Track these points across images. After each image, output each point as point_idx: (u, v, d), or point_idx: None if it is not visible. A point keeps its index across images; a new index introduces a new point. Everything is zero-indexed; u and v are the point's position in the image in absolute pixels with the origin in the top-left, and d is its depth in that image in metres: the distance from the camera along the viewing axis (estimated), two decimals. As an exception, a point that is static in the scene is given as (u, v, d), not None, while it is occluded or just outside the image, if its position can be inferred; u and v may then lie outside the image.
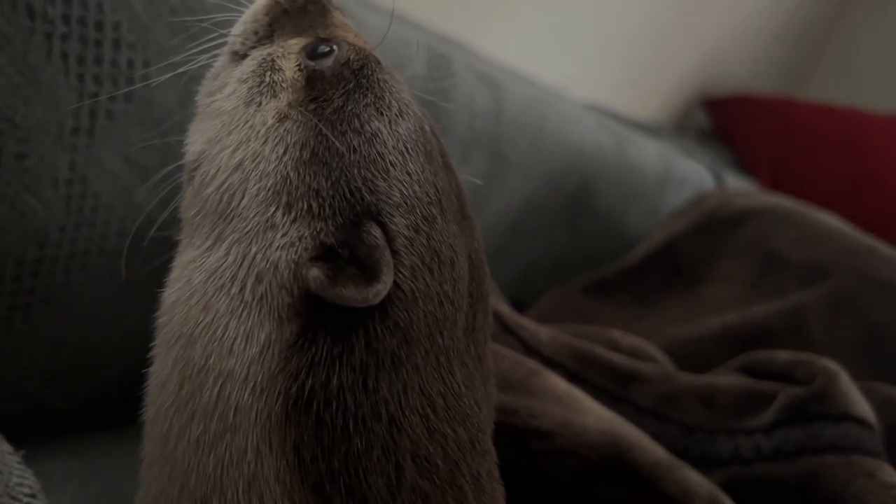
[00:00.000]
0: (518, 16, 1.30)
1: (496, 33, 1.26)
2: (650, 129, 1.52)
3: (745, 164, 1.75)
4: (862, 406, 0.48)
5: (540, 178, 0.85)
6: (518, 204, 0.82)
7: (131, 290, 0.52)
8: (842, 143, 1.72)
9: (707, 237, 0.83)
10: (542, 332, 0.55)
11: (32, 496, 0.31)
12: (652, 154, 1.12)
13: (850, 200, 1.60)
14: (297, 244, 0.29)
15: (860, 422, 0.46)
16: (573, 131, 0.90)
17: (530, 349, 0.52)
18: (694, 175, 1.23)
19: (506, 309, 0.56)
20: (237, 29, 0.37)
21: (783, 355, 0.54)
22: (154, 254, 0.52)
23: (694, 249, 0.83)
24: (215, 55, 0.38)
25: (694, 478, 0.43)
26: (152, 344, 0.34)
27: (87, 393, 0.53)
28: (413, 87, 0.65)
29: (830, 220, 0.83)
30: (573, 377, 0.51)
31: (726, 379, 0.53)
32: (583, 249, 0.98)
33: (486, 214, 0.77)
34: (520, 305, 0.84)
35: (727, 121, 1.86)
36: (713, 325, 0.72)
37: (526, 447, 0.43)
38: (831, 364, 0.51)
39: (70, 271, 0.48)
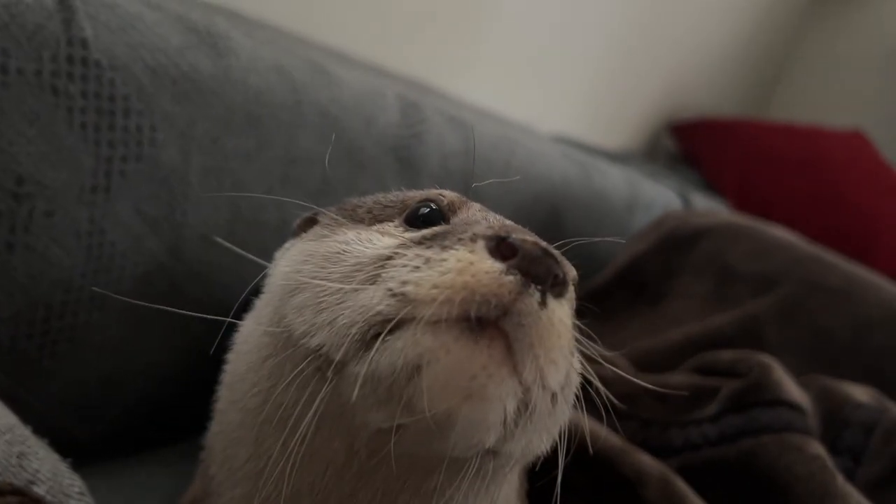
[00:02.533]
0: (488, 58, 1.38)
1: (467, 77, 1.33)
2: (619, 157, 1.59)
3: (713, 185, 1.82)
4: (792, 392, 0.54)
5: (511, 209, 0.91)
6: (492, 234, 0.89)
7: (143, 329, 0.59)
8: (803, 159, 1.80)
9: (667, 255, 0.89)
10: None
11: (82, 494, 0.37)
12: (618, 180, 1.19)
13: (812, 214, 1.68)
14: None
15: (790, 405, 0.53)
16: (540, 164, 0.97)
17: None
18: (660, 198, 1.30)
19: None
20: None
21: (726, 354, 0.60)
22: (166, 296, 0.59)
23: (655, 268, 0.89)
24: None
25: (646, 460, 0.49)
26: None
27: (107, 422, 0.59)
28: (388, 134, 0.72)
29: (779, 233, 0.90)
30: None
31: (678, 378, 0.59)
32: (557, 274, 1.05)
33: (462, 245, 0.84)
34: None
35: (694, 144, 1.94)
36: (675, 337, 0.78)
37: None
38: (765, 358, 0.57)
39: (91, 312, 0.54)
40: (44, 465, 0.37)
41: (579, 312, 0.90)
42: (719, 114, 2.11)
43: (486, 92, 1.34)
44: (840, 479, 0.49)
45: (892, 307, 0.74)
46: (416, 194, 0.41)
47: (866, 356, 0.71)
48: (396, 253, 0.33)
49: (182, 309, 0.59)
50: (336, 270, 0.35)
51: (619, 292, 0.90)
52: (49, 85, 0.48)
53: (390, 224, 0.39)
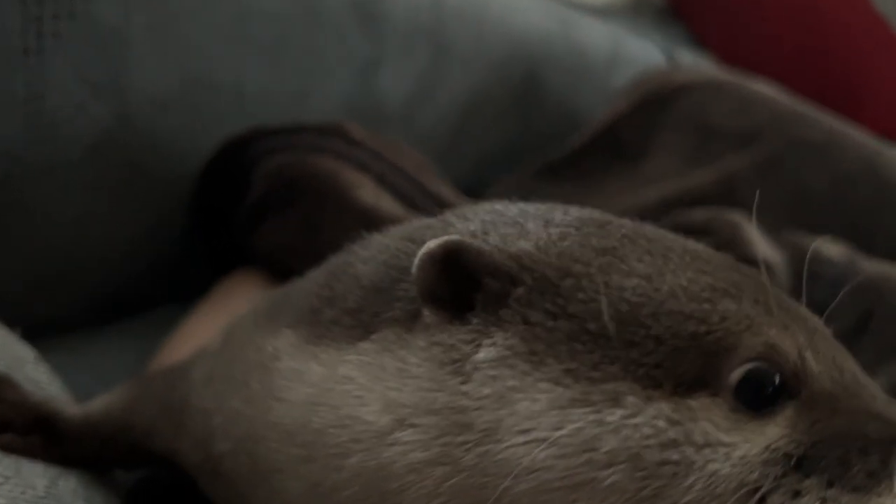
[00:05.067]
0: None
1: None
2: (602, 11, 1.52)
3: (699, 40, 1.77)
4: (763, 249, 0.54)
5: (485, 69, 0.87)
6: (465, 96, 0.85)
7: (98, 200, 0.57)
8: (793, 9, 1.74)
9: (647, 114, 0.87)
10: (478, 208, 0.60)
11: (38, 360, 0.36)
12: (599, 36, 1.14)
13: (799, 67, 1.64)
14: None
15: (760, 263, 0.53)
16: (516, 18, 0.92)
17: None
18: (643, 54, 1.25)
19: (445, 190, 0.60)
20: None
21: (699, 213, 0.59)
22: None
23: (635, 126, 0.87)
24: None
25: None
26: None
27: (71, 296, 0.59)
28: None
29: (762, 89, 0.87)
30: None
31: (648, 237, 0.59)
32: (535, 137, 1.02)
33: (432, 109, 0.81)
34: (474, 195, 0.88)
35: (682, -3, 1.87)
36: (652, 195, 0.77)
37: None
38: (737, 216, 0.57)
39: (40, 184, 0.52)
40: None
41: (558, 172, 0.90)
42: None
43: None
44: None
45: (871, 162, 0.74)
46: (728, 336, 0.25)
47: (845, 211, 0.71)
48: (766, 481, 0.23)
49: (136, 177, 0.57)
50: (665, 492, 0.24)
51: (599, 152, 0.89)
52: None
53: (705, 397, 0.24)
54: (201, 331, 0.53)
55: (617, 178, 0.85)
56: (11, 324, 0.43)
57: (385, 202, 0.53)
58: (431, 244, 0.26)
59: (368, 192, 0.53)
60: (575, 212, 0.29)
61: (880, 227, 0.69)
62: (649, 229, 0.29)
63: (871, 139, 0.78)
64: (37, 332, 0.44)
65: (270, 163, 0.54)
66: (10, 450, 0.34)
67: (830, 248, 0.60)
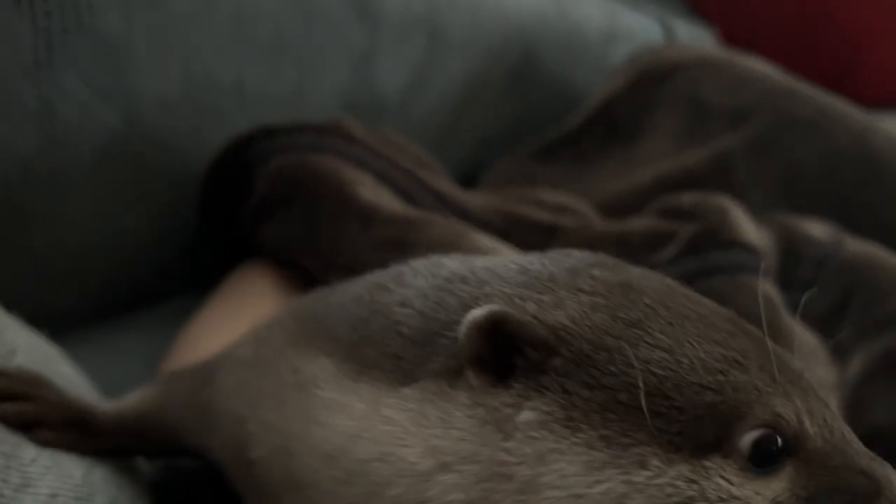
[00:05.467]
0: None
1: None
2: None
3: (698, 10, 1.76)
4: (749, 233, 0.56)
5: (481, 53, 0.88)
6: (462, 82, 0.86)
7: (108, 199, 0.59)
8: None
9: (641, 93, 0.88)
10: (475, 199, 0.62)
11: (65, 359, 0.39)
12: (595, 11, 1.13)
13: (798, 34, 1.63)
14: None
15: (745, 247, 0.55)
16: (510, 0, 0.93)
17: (464, 215, 0.59)
18: (641, 28, 1.24)
19: (445, 185, 0.62)
20: None
21: (688, 198, 0.61)
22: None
23: (629, 106, 0.88)
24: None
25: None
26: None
27: (85, 290, 0.61)
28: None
29: (755, 65, 0.88)
30: (503, 235, 0.58)
31: (637, 222, 0.60)
32: (533, 119, 1.02)
33: (430, 97, 0.82)
34: (473, 181, 0.89)
35: (681, -35, 1.85)
36: (646, 177, 0.78)
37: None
38: (724, 201, 0.58)
39: (54, 188, 0.55)
40: (19, 335, 0.39)
41: (554, 154, 0.91)
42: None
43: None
44: (786, 318, 0.51)
45: (860, 138, 0.74)
46: (741, 406, 0.28)
47: (835, 188, 0.72)
48: None
49: (145, 176, 0.60)
50: None
51: (595, 132, 0.89)
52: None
53: (718, 458, 0.27)
54: (214, 323, 0.56)
55: (612, 159, 0.86)
56: (29, 321, 0.46)
57: (385, 198, 0.55)
58: (477, 314, 0.28)
59: (368, 190, 0.54)
60: (598, 273, 0.31)
61: (869, 204, 0.70)
62: (664, 292, 0.31)
63: (862, 114, 0.79)
64: (53, 328, 0.46)
65: (272, 163, 0.56)
66: (48, 445, 0.36)
67: (816, 228, 0.61)
